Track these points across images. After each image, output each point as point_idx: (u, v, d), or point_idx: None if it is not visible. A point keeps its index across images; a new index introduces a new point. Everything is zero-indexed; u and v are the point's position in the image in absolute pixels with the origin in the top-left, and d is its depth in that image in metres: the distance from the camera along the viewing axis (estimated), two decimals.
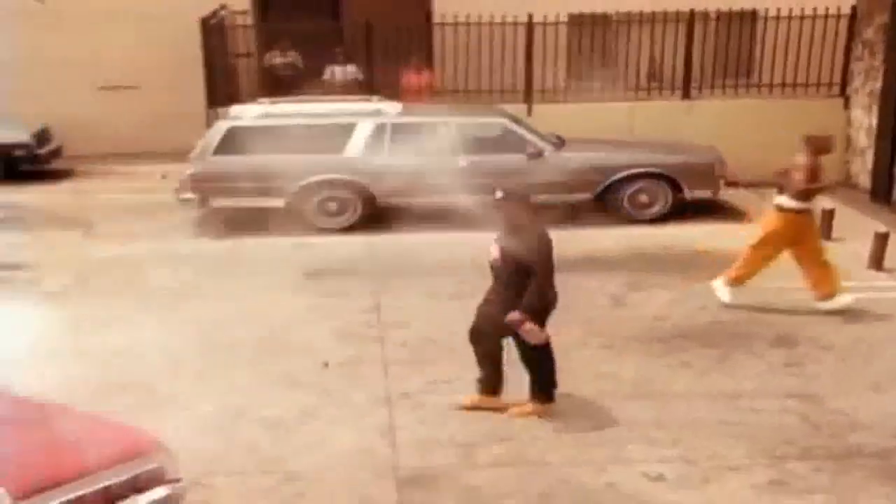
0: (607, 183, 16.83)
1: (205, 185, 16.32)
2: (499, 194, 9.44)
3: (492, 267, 9.60)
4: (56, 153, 20.94)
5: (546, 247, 9.34)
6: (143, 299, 13.60)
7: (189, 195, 16.30)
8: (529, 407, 9.89)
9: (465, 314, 10.26)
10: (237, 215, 17.02)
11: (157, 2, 21.69)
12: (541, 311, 9.41)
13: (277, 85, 21.17)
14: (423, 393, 10.50)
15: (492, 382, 9.96)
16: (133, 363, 11.27)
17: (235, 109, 17.08)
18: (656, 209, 16.97)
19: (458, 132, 16.63)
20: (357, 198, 16.53)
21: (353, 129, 16.44)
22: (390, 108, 16.93)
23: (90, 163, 21.81)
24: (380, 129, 16.47)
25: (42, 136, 20.66)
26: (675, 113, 19.75)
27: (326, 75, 21.66)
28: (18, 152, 20.33)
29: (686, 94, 20.34)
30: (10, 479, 6.83)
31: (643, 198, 16.94)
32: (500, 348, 9.76)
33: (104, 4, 21.96)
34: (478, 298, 10.02)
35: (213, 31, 20.36)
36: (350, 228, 16.54)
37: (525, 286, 9.24)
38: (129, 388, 10.37)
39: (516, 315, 9.26)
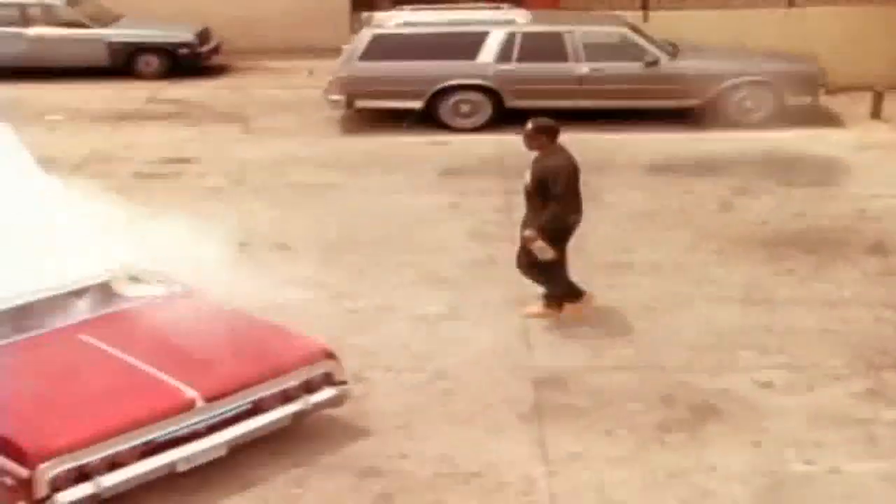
0: (717, 90, 16.26)
1: (351, 88, 16.32)
2: (529, 126, 9.44)
3: (525, 191, 9.56)
4: (215, 51, 21.06)
5: (566, 173, 9.26)
6: (293, 195, 13.70)
7: (336, 96, 16.34)
8: (536, 308, 9.92)
9: (595, 215, 10.46)
10: (377, 114, 16.95)
11: None
12: (560, 230, 9.38)
13: None
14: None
15: (555, 289, 9.86)
16: (290, 259, 11.32)
17: (379, 17, 17.03)
18: (760, 115, 16.43)
19: (582, 40, 16.32)
20: (487, 100, 16.30)
21: (486, 38, 16.26)
22: (520, 17, 16.73)
23: (244, 59, 21.77)
24: (510, 38, 16.25)
25: (203, 36, 20.75)
26: (778, 21, 18.92)
27: None
28: (183, 51, 20.39)
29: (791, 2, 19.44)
30: (201, 383, 7.05)
31: (748, 104, 16.43)
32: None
33: None
34: (604, 199, 10.76)
35: None
36: (480, 128, 16.27)
37: None
38: (292, 283, 10.34)
39: (529, 232, 9.30)
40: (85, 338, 7.67)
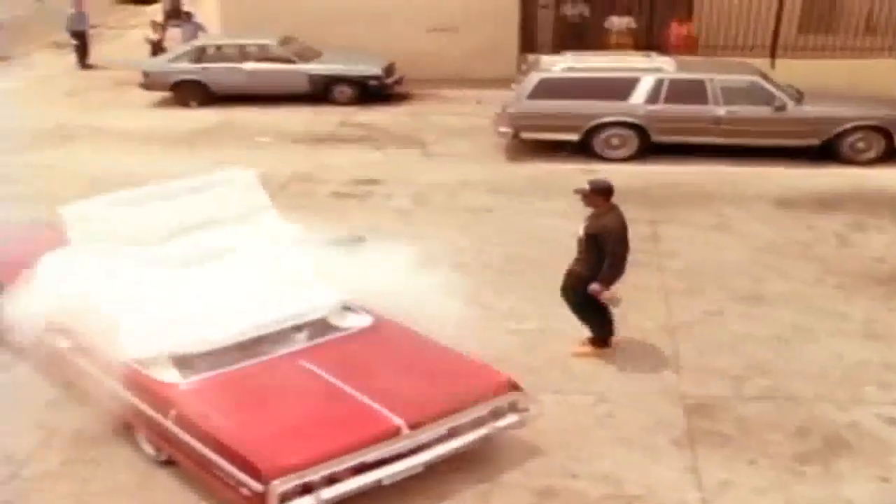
0: (835, 132, 16.00)
1: (519, 123, 16.51)
2: (588, 186, 9.31)
3: (578, 241, 9.39)
4: (398, 82, 21.29)
5: (619, 230, 9.11)
6: (467, 217, 13.75)
7: (505, 129, 16.53)
8: (587, 349, 9.71)
9: (729, 245, 10.92)
10: (537, 144, 16.95)
11: None
12: (613, 280, 9.17)
13: (568, 31, 21.07)
14: (699, 323, 10.33)
15: (600, 332, 9.69)
16: (465, 279, 11.20)
17: (545, 60, 17.16)
18: (871, 154, 16.12)
19: (720, 86, 16.18)
20: (635, 135, 16.32)
21: (638, 82, 16.24)
22: (666, 65, 16.64)
23: (422, 87, 21.99)
24: (659, 83, 16.21)
25: (389, 69, 21.01)
26: (888, 68, 18.64)
27: (606, 24, 21.41)
28: (372, 82, 20.67)
29: None
30: (407, 413, 7.16)
31: (861, 144, 16.11)
32: (586, 301, 9.37)
33: None
34: (736, 230, 10.97)
35: None
36: (627, 159, 16.24)
37: (601, 255, 9.06)
38: (468, 303, 10.33)
39: (596, 286, 9.08)
40: (306, 364, 7.88)
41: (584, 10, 21.95)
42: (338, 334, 8.40)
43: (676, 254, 12.41)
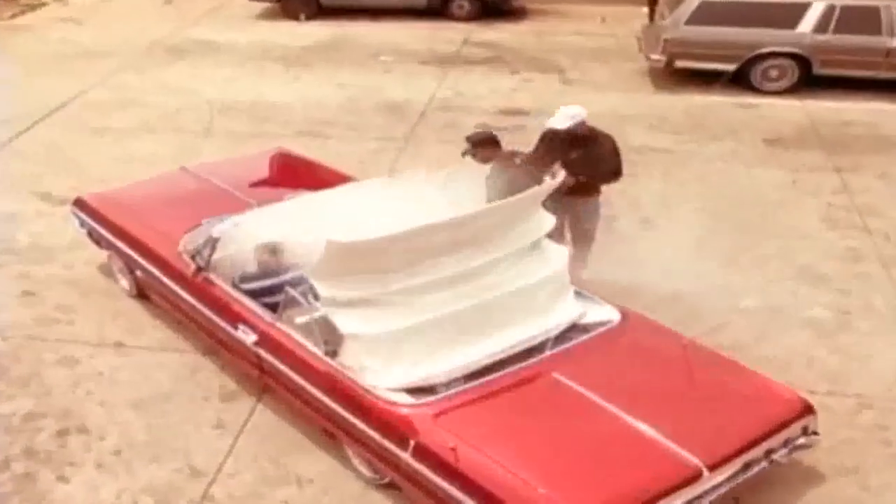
0: None
1: (674, 50, 14.83)
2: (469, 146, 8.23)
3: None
4: None
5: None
6: (637, 160, 11.80)
7: (658, 56, 14.83)
8: None
9: None
10: (680, 72, 15.31)
11: None
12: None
13: None
14: None
15: None
16: (658, 240, 10.11)
17: None
18: None
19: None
20: (797, 67, 14.67)
21: (808, 9, 14.47)
22: None
23: (540, 3, 20.26)
24: (829, 10, 14.44)
25: None
26: None
27: None
28: None
29: None
30: (703, 449, 5.79)
31: None
32: None
33: None
34: None
35: None
36: (783, 92, 14.53)
37: None
38: (671, 273, 9.08)
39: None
40: (562, 378, 6.47)
41: None
42: (586, 336, 6.98)
43: (879, 211, 10.83)
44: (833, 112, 13.99)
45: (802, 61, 14.62)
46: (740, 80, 14.83)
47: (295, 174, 10.10)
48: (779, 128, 13.37)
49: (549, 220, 7.27)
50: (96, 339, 8.61)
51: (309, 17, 19.24)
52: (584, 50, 17.39)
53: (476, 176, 7.97)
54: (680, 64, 14.87)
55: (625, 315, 7.19)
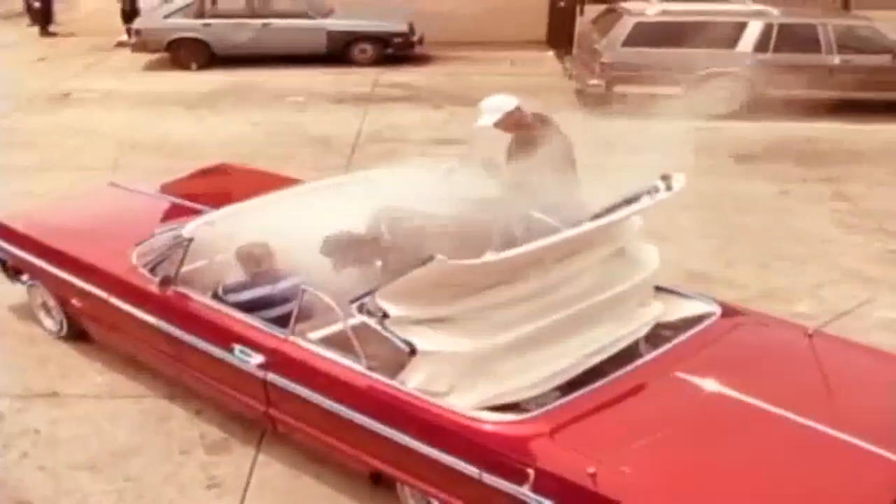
0: None
1: (613, 73, 13.31)
2: None
3: None
4: (420, 41, 17.87)
5: None
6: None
7: (596, 81, 13.31)
8: None
9: None
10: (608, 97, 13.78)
11: None
12: None
13: None
14: None
15: None
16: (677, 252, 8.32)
17: (635, 6, 14.01)
18: None
19: (833, 33, 13.31)
20: (743, 87, 13.23)
21: (745, 28, 13.29)
22: (773, 10, 13.71)
23: (442, 50, 18.74)
24: (767, 28, 13.30)
25: (411, 27, 17.57)
26: None
27: None
28: (397, 39, 17.37)
29: None
30: None
31: None
32: None
33: None
34: None
35: None
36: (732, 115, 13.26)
37: None
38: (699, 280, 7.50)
39: None
40: (689, 378, 4.78)
41: None
42: (692, 330, 5.26)
43: (892, 215, 9.55)
44: (792, 130, 12.80)
45: (746, 82, 13.27)
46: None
47: (246, 181, 8.08)
48: (747, 146, 12.12)
49: (636, 222, 5.52)
50: (21, 390, 6.34)
51: (201, 67, 17.15)
52: (505, 86, 15.73)
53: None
54: (620, 89, 13.39)
55: (725, 307, 5.47)
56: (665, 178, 5.28)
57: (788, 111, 13.03)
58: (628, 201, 5.15)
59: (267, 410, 5.35)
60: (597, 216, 5.09)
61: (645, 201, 5.11)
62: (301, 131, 13.02)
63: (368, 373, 4.83)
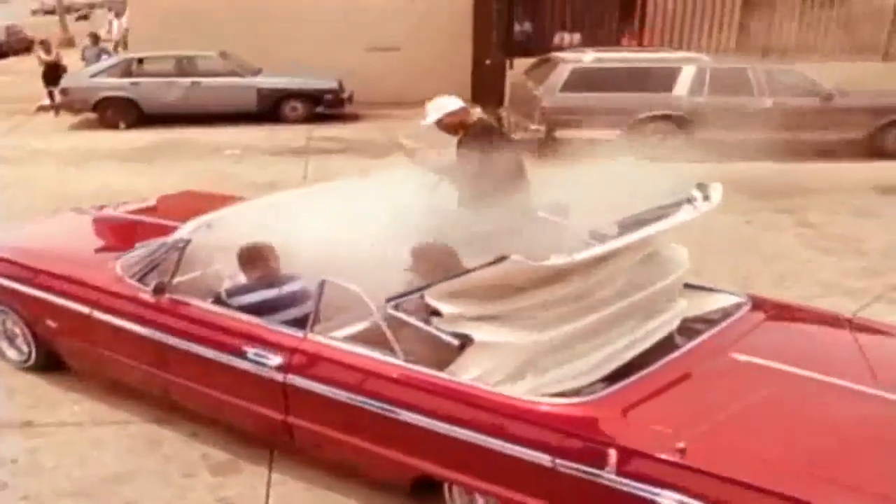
0: (880, 124, 13.66)
1: (553, 118, 13.13)
2: None
3: None
4: (350, 99, 17.51)
5: None
6: None
7: (536, 126, 13.14)
8: None
9: None
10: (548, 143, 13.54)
11: None
12: None
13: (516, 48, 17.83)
14: None
15: None
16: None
17: (569, 55, 13.99)
18: None
19: (764, 77, 13.44)
20: (679, 129, 13.20)
21: (679, 73, 13.24)
22: (703, 56, 13.87)
23: (370, 109, 18.41)
24: (701, 72, 13.28)
25: (340, 85, 17.24)
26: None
27: (556, 40, 18.48)
28: (327, 97, 16.95)
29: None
30: None
31: None
32: None
33: None
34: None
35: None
36: (672, 156, 13.19)
37: None
38: None
39: None
40: (738, 356, 4.48)
41: (528, 27, 19.05)
42: (733, 316, 4.98)
43: (859, 238, 9.45)
44: (736, 169, 12.62)
45: (683, 124, 13.21)
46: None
47: (216, 203, 7.45)
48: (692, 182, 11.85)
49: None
50: None
51: (129, 126, 16.44)
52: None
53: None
54: (560, 134, 13.20)
55: (754, 298, 5.25)
56: (701, 187, 5.05)
57: (727, 151, 12.98)
58: (663, 210, 4.90)
59: (285, 419, 4.75)
60: (629, 223, 4.83)
61: (687, 211, 4.87)
62: (246, 180, 12.45)
63: (415, 366, 4.30)
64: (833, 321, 5.06)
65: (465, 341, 4.21)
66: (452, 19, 19.05)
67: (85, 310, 5.52)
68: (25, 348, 6.26)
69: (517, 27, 19.00)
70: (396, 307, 4.39)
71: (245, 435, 5.20)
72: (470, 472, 4.19)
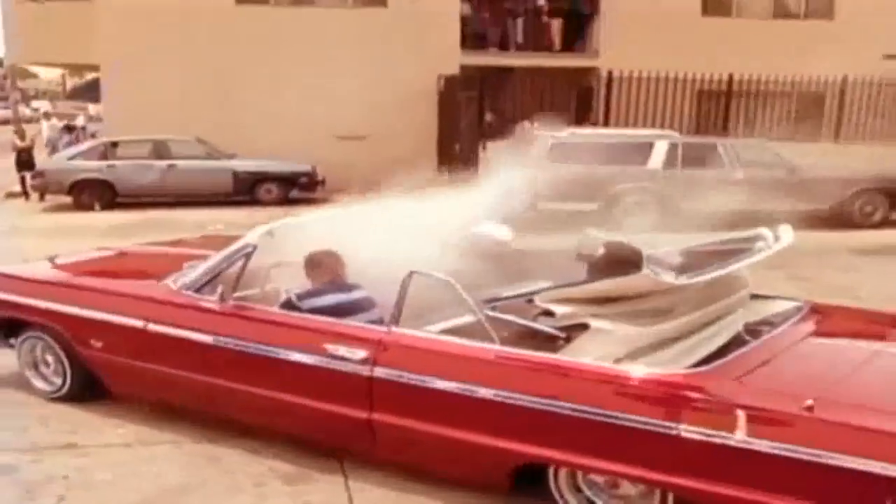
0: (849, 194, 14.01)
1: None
2: None
3: None
4: (323, 183, 17.40)
5: None
6: None
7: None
8: None
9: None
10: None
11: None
12: None
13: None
14: None
15: None
16: None
17: (546, 131, 14.10)
18: (877, 217, 14.18)
19: (733, 152, 13.69)
20: (656, 200, 13.25)
21: (652, 147, 13.36)
22: (674, 133, 14.01)
23: (338, 194, 18.24)
24: (673, 147, 13.44)
25: (314, 169, 17.16)
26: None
27: (519, 131, 18.72)
28: (303, 180, 16.87)
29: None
30: None
31: (868, 208, 14.18)
32: None
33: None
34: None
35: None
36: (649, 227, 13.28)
37: None
38: None
39: None
40: (818, 340, 4.65)
41: (490, 118, 19.35)
42: (801, 313, 4.98)
43: (856, 288, 9.50)
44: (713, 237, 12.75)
45: (657, 196, 13.29)
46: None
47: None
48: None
49: None
50: (27, 445, 5.17)
51: (104, 208, 16.04)
52: None
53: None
54: (543, 206, 13.12)
55: (811, 303, 5.28)
56: (772, 228, 5.32)
57: (700, 222, 13.04)
58: (734, 243, 5.15)
59: (369, 417, 4.43)
60: (699, 252, 5.05)
61: (761, 248, 5.01)
62: None
63: (523, 350, 4.10)
64: (886, 318, 5.18)
65: (572, 334, 4.22)
66: (416, 109, 19.11)
67: (139, 323, 5.17)
68: (56, 379, 5.84)
69: (488, 117, 19.29)
70: (494, 308, 4.38)
71: (312, 447, 4.85)
72: (586, 452, 3.92)
